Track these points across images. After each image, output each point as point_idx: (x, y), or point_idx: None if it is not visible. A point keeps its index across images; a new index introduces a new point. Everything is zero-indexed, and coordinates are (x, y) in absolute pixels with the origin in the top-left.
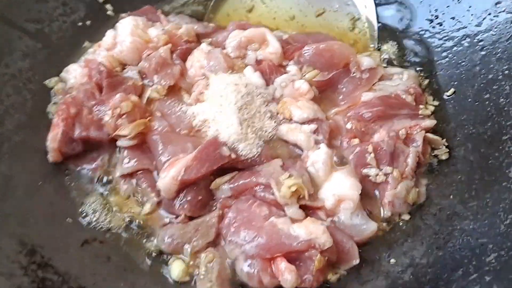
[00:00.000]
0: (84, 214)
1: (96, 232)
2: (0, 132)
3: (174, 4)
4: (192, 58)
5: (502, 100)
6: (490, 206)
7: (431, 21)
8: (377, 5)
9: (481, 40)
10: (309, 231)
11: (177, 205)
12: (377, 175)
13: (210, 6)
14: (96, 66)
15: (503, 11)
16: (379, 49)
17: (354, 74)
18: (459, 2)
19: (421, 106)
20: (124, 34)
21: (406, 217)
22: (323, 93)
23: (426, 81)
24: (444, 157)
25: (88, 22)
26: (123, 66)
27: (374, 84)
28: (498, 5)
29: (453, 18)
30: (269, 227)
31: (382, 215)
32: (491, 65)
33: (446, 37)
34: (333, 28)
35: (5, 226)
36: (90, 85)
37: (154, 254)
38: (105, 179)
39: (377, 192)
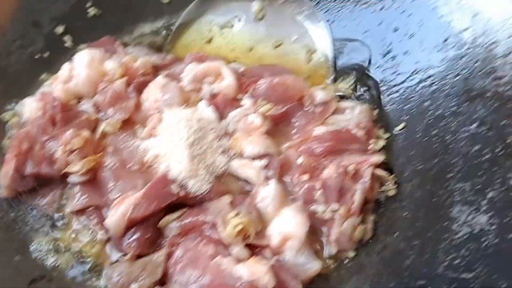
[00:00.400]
0: (34, 251)
1: (44, 269)
2: None
3: (133, 34)
4: (147, 91)
5: (448, 137)
6: (431, 245)
7: (384, 55)
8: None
9: (431, 76)
10: (252, 271)
11: (125, 243)
12: (324, 211)
13: (169, 37)
14: (51, 100)
15: (452, 47)
16: (334, 82)
17: (308, 108)
18: (411, 37)
19: (371, 141)
20: (80, 67)
21: (351, 254)
22: (277, 126)
23: (376, 113)
24: (391, 193)
25: (46, 54)
26: (79, 99)
27: (327, 118)
28: (446, 42)
29: (405, 52)
30: (214, 267)
31: (327, 252)
32: (440, 101)
33: (398, 72)
34: (290, 60)
35: None
36: (44, 119)
37: None
38: (56, 215)
39: (324, 229)
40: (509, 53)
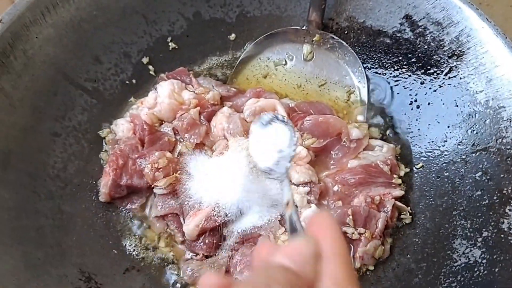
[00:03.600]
0: (126, 246)
1: (134, 262)
2: (64, 176)
3: (203, 66)
4: (215, 119)
5: (457, 180)
6: (435, 268)
7: (410, 103)
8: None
9: (449, 126)
10: None
11: (197, 246)
12: (353, 233)
13: (232, 70)
14: (140, 123)
15: (468, 104)
16: (367, 121)
17: (344, 143)
18: (434, 91)
19: (395, 176)
20: (163, 96)
21: (371, 268)
22: (318, 157)
23: (399, 151)
24: (407, 221)
25: (134, 81)
26: (161, 122)
27: (359, 153)
28: (462, 99)
29: (428, 103)
30: None
31: (353, 265)
32: (453, 148)
33: (421, 119)
34: (332, 98)
35: (69, 257)
36: (135, 140)
37: (178, 284)
38: (142, 218)
39: (351, 247)
40: None
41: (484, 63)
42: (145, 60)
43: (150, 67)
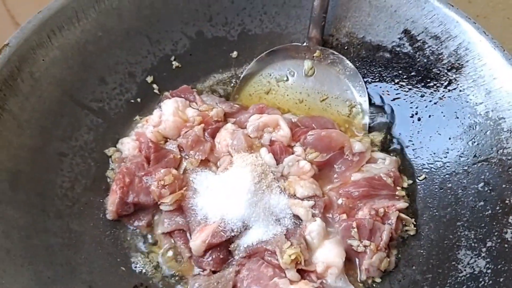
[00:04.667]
0: (134, 263)
1: (143, 278)
2: (72, 196)
3: (206, 84)
4: (219, 136)
5: (460, 191)
6: (440, 279)
7: (411, 116)
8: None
9: (450, 138)
10: None
11: (204, 262)
12: (358, 246)
13: (235, 88)
14: (146, 141)
15: (468, 116)
16: (368, 134)
17: (347, 157)
18: (435, 104)
19: (398, 188)
20: (168, 114)
21: (378, 280)
22: (322, 171)
23: (400, 163)
24: (412, 233)
25: (138, 99)
26: (166, 139)
27: (362, 166)
28: (462, 111)
29: (429, 116)
30: (272, 286)
31: (359, 278)
32: (455, 160)
33: (422, 132)
34: (334, 112)
35: (78, 275)
36: (141, 157)
37: None
38: (149, 235)
39: (357, 259)
40: None
41: (483, 75)
42: (149, 79)
43: (155, 86)
